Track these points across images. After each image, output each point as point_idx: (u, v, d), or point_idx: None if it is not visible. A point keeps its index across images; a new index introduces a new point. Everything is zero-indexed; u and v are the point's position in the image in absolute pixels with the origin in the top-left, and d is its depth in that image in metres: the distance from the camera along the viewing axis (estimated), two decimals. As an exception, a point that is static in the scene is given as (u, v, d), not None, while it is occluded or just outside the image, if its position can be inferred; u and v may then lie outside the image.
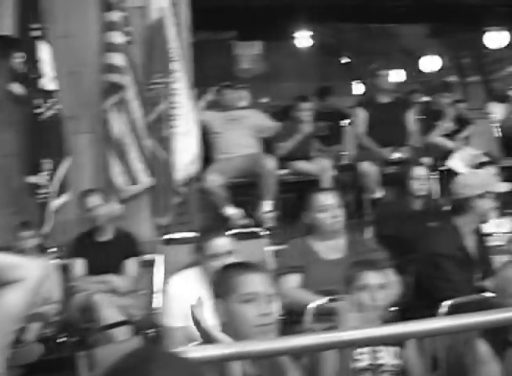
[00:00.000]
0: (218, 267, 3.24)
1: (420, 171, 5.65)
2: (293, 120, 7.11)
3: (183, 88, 5.97)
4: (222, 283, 2.81)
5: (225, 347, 1.74)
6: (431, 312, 3.77)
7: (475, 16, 11.45)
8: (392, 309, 4.21)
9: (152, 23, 5.87)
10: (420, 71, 15.01)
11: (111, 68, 5.70)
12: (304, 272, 4.30)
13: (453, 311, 3.69)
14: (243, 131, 6.87)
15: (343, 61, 16.69)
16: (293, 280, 4.28)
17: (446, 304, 3.74)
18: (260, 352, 1.77)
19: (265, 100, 15.39)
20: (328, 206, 4.36)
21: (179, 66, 5.95)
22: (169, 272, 4.63)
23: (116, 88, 5.70)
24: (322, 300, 3.91)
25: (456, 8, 10.69)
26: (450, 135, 7.31)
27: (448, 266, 4.16)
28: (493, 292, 3.10)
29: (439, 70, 14.69)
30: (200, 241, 4.04)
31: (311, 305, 3.88)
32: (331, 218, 4.34)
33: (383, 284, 3.47)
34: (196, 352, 1.83)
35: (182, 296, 3.85)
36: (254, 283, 2.73)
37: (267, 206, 6.53)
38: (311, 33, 13.33)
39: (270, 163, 6.48)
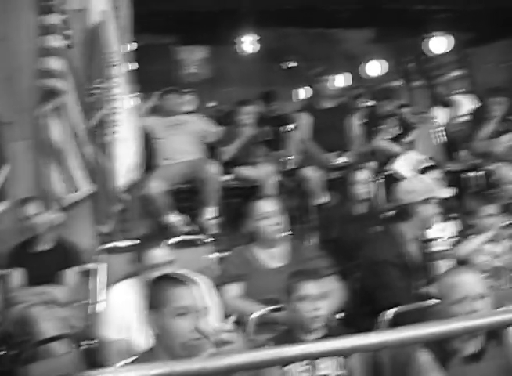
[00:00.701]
0: (151, 278, 3.16)
1: (362, 176, 5.64)
2: (234, 124, 7.04)
3: (124, 93, 5.84)
4: (156, 295, 2.73)
5: (156, 366, 1.65)
6: (375, 320, 3.74)
7: (419, 22, 11.52)
8: (336, 316, 4.20)
9: (92, 27, 5.73)
10: (365, 76, 15.08)
11: (48, 73, 5.53)
12: (246, 281, 4.22)
13: (397, 320, 3.66)
14: (186, 137, 6.80)
15: (288, 66, 16.69)
16: (235, 289, 4.21)
17: (390, 312, 3.69)
18: (194, 371, 1.68)
19: (211, 105, 15.33)
20: (269, 213, 4.30)
21: (120, 70, 5.82)
22: (111, 282, 4.52)
23: (54, 93, 5.54)
24: (264, 310, 3.84)
25: (399, 13, 10.75)
26: (394, 140, 7.30)
27: (391, 273, 4.12)
28: (437, 299, 3.06)
29: (383, 74, 14.77)
30: (139, 251, 3.93)
31: (253, 316, 3.80)
32: (272, 226, 4.28)
33: (323, 294, 3.42)
34: (125, 372, 1.74)
35: (121, 307, 3.76)
36: (188, 296, 2.65)
37: (210, 212, 6.46)
38: (256, 37, 13.28)
39: (213, 169, 6.41)
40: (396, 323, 3.65)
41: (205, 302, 2.69)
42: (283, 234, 4.39)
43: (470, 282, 2.97)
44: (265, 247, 4.33)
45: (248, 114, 6.99)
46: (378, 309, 3.86)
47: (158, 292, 2.73)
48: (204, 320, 2.63)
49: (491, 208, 4.58)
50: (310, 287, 3.41)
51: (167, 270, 3.63)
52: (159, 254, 3.83)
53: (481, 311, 2.89)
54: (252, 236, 4.40)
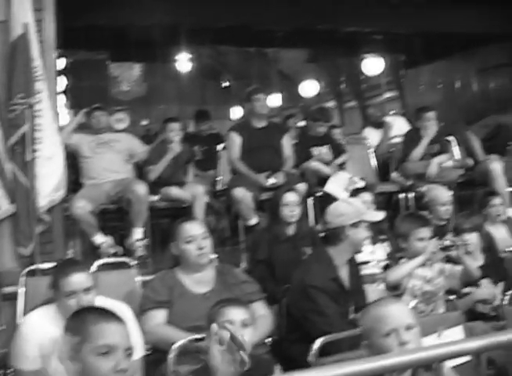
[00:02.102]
0: (73, 309, 2.96)
1: (290, 198, 5.54)
2: (162, 142, 6.89)
3: (48, 109, 5.63)
4: (77, 330, 2.54)
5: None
6: (305, 348, 3.62)
7: (353, 43, 11.61)
8: (265, 342, 4.07)
9: (14, 40, 5.50)
10: (299, 96, 15.12)
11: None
12: (171, 307, 4.04)
13: (327, 348, 3.54)
14: (114, 156, 6.63)
15: (223, 84, 16.66)
16: (159, 316, 4.02)
17: (319, 341, 3.57)
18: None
19: (144, 123, 15.19)
20: (195, 237, 4.13)
21: (44, 86, 5.60)
22: (31, 308, 4.29)
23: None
24: (188, 339, 3.66)
25: (333, 34, 10.78)
26: (326, 161, 7.23)
27: (321, 299, 4.00)
28: (362, 332, 2.94)
29: (317, 95, 14.83)
30: (58, 275, 3.72)
31: (176, 345, 3.62)
32: (198, 250, 4.11)
33: (247, 320, 3.27)
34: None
35: (37, 336, 3.54)
36: (112, 333, 2.48)
37: (138, 234, 6.28)
38: (192, 55, 13.20)
39: (141, 188, 6.24)
40: (326, 352, 3.54)
41: (130, 341, 2.52)
42: (209, 258, 4.23)
43: (397, 313, 2.86)
44: (191, 272, 4.16)
45: (175, 132, 6.83)
46: (308, 336, 3.75)
47: (79, 326, 2.54)
48: (127, 361, 2.45)
49: (422, 231, 4.50)
50: (234, 313, 3.26)
51: (89, 299, 3.46)
52: (77, 280, 3.62)
53: (409, 343, 2.77)
54: (178, 260, 4.23)
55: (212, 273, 4.21)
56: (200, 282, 4.15)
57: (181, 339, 3.69)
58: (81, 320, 2.59)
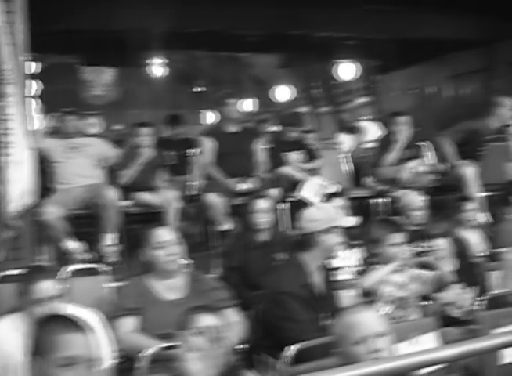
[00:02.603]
0: (37, 318, 2.89)
1: (262, 204, 5.51)
2: (132, 147, 6.83)
3: (18, 113, 5.54)
4: (41, 339, 2.47)
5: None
6: (278, 354, 3.58)
7: (326, 48, 11.59)
8: (238, 349, 4.02)
9: (-18, 42, 5.42)
10: (272, 101, 15.10)
11: None
12: (141, 314, 3.98)
13: (300, 356, 3.50)
14: (85, 161, 6.57)
15: (196, 89, 16.60)
16: (129, 323, 3.96)
17: (293, 348, 3.53)
18: None
19: (117, 127, 15.09)
20: (165, 243, 4.08)
21: (14, 89, 5.51)
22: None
23: None
24: (158, 346, 3.61)
25: (307, 39, 10.76)
26: (299, 166, 7.21)
27: (294, 306, 3.95)
28: (334, 338, 2.91)
29: (290, 100, 14.82)
30: (26, 282, 3.65)
31: (147, 352, 3.56)
32: (168, 256, 4.06)
33: (221, 327, 3.22)
34: None
35: (2, 346, 3.47)
36: (74, 345, 2.41)
37: (109, 239, 6.22)
38: (165, 60, 13.13)
39: (112, 194, 6.18)
40: (298, 359, 3.50)
41: (97, 352, 2.46)
42: (180, 264, 4.17)
43: (368, 321, 2.83)
44: (162, 278, 4.11)
45: (146, 137, 6.77)
46: (281, 343, 3.71)
47: (44, 336, 2.47)
48: (91, 373, 2.40)
49: (396, 237, 4.48)
50: (206, 320, 3.21)
51: (57, 307, 3.39)
52: (48, 286, 3.56)
53: (380, 351, 2.75)
54: (148, 266, 4.17)
55: (183, 280, 4.16)
56: (170, 288, 4.10)
57: (152, 347, 3.63)
58: (44, 330, 2.52)
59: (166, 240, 4.10)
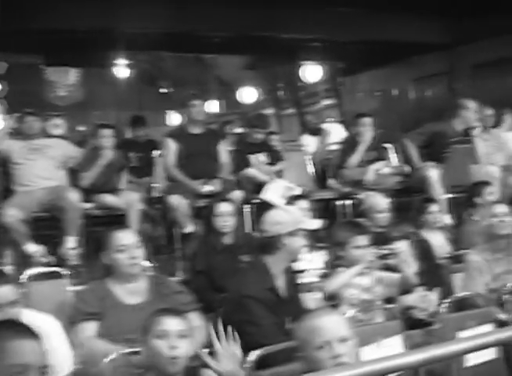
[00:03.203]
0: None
1: (224, 208, 5.47)
2: (94, 148, 6.73)
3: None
4: None
5: None
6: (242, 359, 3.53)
7: (291, 50, 11.59)
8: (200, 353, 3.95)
9: None
10: (237, 102, 15.06)
11: None
12: (102, 319, 3.89)
13: (263, 361, 3.45)
14: (47, 162, 6.48)
15: (161, 90, 16.51)
16: (89, 328, 3.86)
17: (254, 354, 3.48)
18: None
19: (81, 129, 14.94)
20: (127, 246, 3.99)
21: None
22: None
23: None
24: (119, 352, 3.52)
25: (272, 41, 10.74)
26: (264, 168, 7.17)
27: (257, 309, 3.89)
28: (297, 343, 2.86)
29: (256, 101, 14.79)
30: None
31: (107, 359, 3.48)
32: (129, 259, 3.97)
33: (183, 331, 3.16)
34: None
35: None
36: (25, 352, 2.32)
37: (71, 242, 6.13)
38: (130, 61, 13.03)
39: (74, 196, 6.10)
40: (262, 364, 3.45)
41: (46, 359, 2.39)
42: (142, 268, 4.10)
43: (331, 325, 2.78)
44: (123, 282, 4.02)
45: (107, 138, 6.67)
46: (245, 347, 3.64)
47: None
48: None
49: (360, 239, 4.45)
50: (169, 324, 3.14)
51: (10, 313, 3.28)
52: (4, 292, 3.45)
53: (343, 356, 2.70)
54: (110, 270, 4.08)
55: (145, 284, 4.08)
56: (132, 292, 4.01)
57: (112, 352, 3.55)
58: None
59: (127, 243, 4.01)
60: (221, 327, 3.19)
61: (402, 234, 5.00)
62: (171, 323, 3.15)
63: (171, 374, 3.09)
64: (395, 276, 4.55)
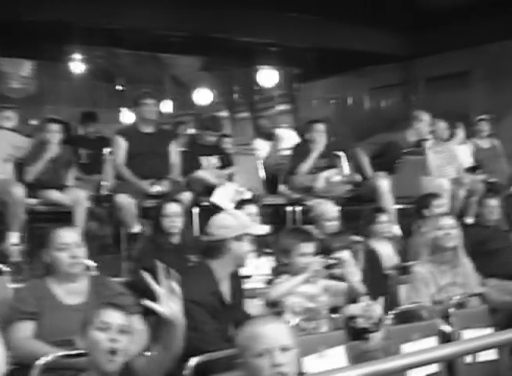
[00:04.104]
0: None
1: (172, 209, 5.41)
2: (40, 142, 6.58)
3: None
4: None
5: None
6: (181, 365, 3.46)
7: (248, 53, 11.56)
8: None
9: None
10: (192, 103, 14.97)
11: None
12: (39, 319, 3.77)
13: (202, 368, 3.39)
14: (-9, 155, 6.30)
15: (116, 87, 16.34)
16: (26, 328, 3.73)
17: (194, 360, 3.41)
18: None
19: (33, 122, 14.70)
20: (68, 244, 3.88)
21: None
22: None
23: None
24: (55, 354, 3.42)
25: (229, 43, 10.71)
26: (214, 170, 7.10)
27: (200, 314, 3.81)
28: (238, 349, 2.79)
29: (210, 103, 14.71)
30: None
31: (41, 361, 3.37)
32: (71, 259, 3.86)
33: (125, 326, 3.07)
34: None
35: None
36: None
37: (13, 238, 5.99)
38: (86, 56, 12.87)
39: (18, 191, 5.96)
40: (201, 371, 3.39)
41: None
42: (83, 268, 3.99)
43: (273, 333, 2.72)
44: (63, 282, 3.90)
45: (54, 133, 6.53)
46: (186, 353, 3.57)
47: None
48: None
49: (305, 246, 4.38)
50: (111, 316, 3.06)
51: None
52: None
53: (283, 365, 2.65)
54: (50, 268, 3.97)
55: (85, 284, 3.97)
56: (72, 293, 3.90)
57: (48, 354, 3.44)
58: None
59: (69, 241, 3.90)
60: (162, 271, 3.09)
61: (345, 244, 4.95)
62: (113, 316, 3.09)
63: (107, 373, 3.00)
64: (342, 285, 4.50)
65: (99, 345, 2.99)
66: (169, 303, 3.04)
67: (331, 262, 4.32)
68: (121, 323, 3.09)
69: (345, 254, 4.67)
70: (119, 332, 3.05)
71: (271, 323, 2.81)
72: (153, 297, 4.27)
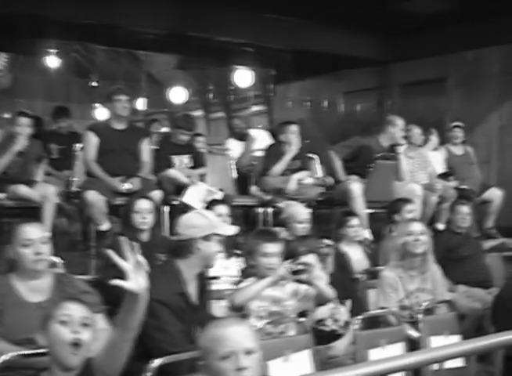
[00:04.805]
0: None
1: (143, 205, 5.35)
2: (9, 136, 6.48)
3: None
4: None
5: None
6: (144, 366, 3.40)
7: (224, 53, 11.54)
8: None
9: None
10: (166, 101, 14.91)
11: None
12: (1, 317, 3.68)
13: (165, 370, 3.33)
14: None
15: (90, 83, 16.24)
16: (-14, 326, 3.66)
17: (157, 361, 3.35)
18: None
19: (6, 116, 14.58)
20: (33, 240, 3.79)
21: None
22: None
23: None
24: (14, 353, 3.33)
25: (205, 42, 10.68)
26: (185, 169, 7.04)
27: (165, 315, 3.75)
28: (201, 352, 2.74)
29: (184, 102, 14.66)
30: None
31: (2, 359, 3.28)
32: (35, 255, 3.78)
33: (87, 319, 3.01)
34: None
35: None
36: None
37: (-21, 233, 5.88)
38: (60, 51, 12.77)
39: (-14, 185, 5.86)
40: (164, 373, 3.33)
41: None
42: (47, 265, 3.91)
43: (236, 336, 2.67)
44: (27, 279, 3.81)
45: (23, 127, 6.42)
46: (150, 354, 3.52)
47: None
48: None
49: (268, 247, 4.32)
50: (73, 309, 3.00)
51: None
52: None
53: (247, 369, 2.60)
54: (13, 265, 3.88)
55: (49, 281, 3.89)
56: (35, 290, 3.81)
57: (8, 353, 3.36)
58: None
59: (33, 237, 3.81)
60: (126, 245, 3.01)
61: (311, 248, 4.90)
62: (75, 309, 3.02)
63: (70, 368, 2.94)
64: (311, 290, 4.45)
65: (61, 338, 2.93)
66: (137, 278, 2.95)
67: (298, 267, 4.25)
68: (84, 315, 3.03)
69: (311, 258, 4.64)
70: (81, 325, 2.99)
71: (235, 325, 2.76)
72: (120, 294, 4.24)
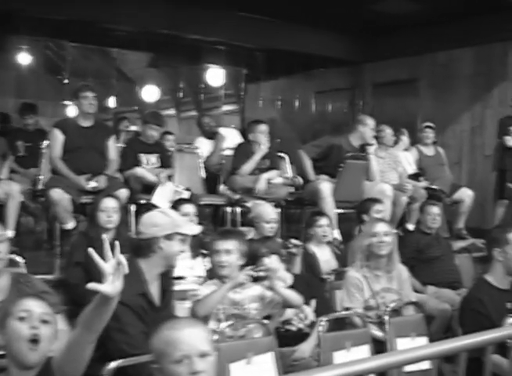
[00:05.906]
0: None
1: (109, 203, 5.28)
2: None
3: None
4: None
5: None
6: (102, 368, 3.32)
7: (196, 51, 11.49)
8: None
9: None
10: (137, 99, 14.78)
11: None
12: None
13: (124, 372, 3.27)
14: None
15: (61, 79, 16.08)
16: None
17: (115, 363, 3.28)
18: None
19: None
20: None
21: None
22: None
23: None
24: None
25: (177, 40, 10.62)
26: (154, 168, 6.96)
27: (126, 316, 3.64)
28: (154, 354, 2.66)
29: (155, 100, 14.54)
30: None
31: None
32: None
33: (47, 315, 2.93)
34: None
35: None
36: None
37: None
38: (30, 47, 12.63)
39: None
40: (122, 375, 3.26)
41: None
42: (4, 264, 3.82)
43: (190, 339, 2.60)
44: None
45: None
46: (110, 356, 3.44)
47: None
48: None
49: (225, 244, 4.24)
50: (33, 305, 2.93)
51: None
52: None
53: (202, 372, 2.53)
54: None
55: (7, 281, 3.81)
56: (-9, 290, 3.74)
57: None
58: None
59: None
60: (107, 245, 2.90)
61: (270, 250, 4.83)
62: (34, 305, 2.95)
63: (28, 365, 2.86)
64: (271, 291, 4.35)
65: (19, 334, 2.85)
66: (114, 281, 2.84)
67: (259, 273, 4.15)
68: (42, 311, 2.95)
69: (273, 260, 4.58)
70: (40, 321, 2.91)
71: (188, 327, 2.67)
72: (83, 294, 4.16)
